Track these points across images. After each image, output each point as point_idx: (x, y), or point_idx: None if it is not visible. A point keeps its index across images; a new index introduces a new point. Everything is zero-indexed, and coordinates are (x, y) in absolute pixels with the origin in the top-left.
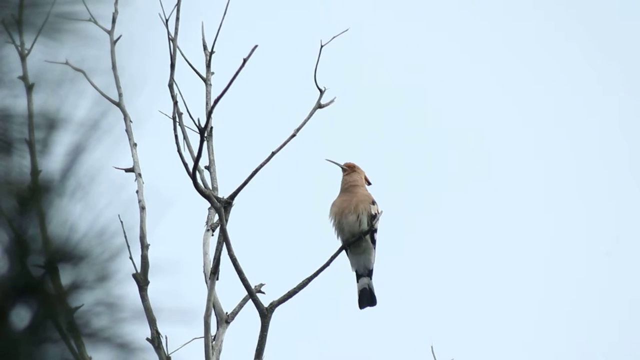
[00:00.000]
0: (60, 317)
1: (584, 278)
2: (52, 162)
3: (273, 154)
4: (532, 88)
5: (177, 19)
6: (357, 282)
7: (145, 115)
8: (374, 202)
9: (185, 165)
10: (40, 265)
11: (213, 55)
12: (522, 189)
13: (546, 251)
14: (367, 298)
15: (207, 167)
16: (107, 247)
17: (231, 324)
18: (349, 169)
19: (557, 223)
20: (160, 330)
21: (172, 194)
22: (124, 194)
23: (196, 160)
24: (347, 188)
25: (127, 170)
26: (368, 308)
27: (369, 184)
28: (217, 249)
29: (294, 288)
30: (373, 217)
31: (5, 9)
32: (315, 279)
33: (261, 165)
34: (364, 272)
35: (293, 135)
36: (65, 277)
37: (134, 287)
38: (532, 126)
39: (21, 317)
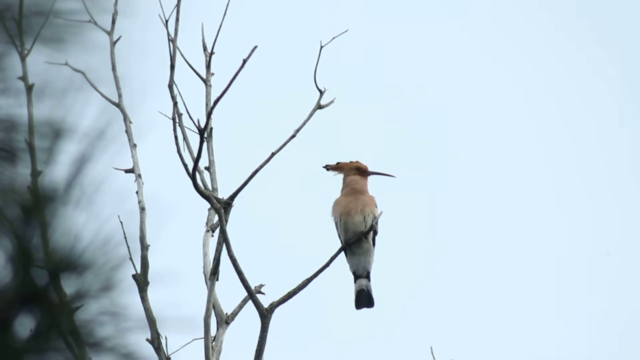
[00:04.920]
0: (63, 325)
1: (583, 278)
2: (57, 171)
3: (273, 154)
4: (535, 88)
5: (177, 19)
6: (355, 283)
7: (148, 124)
8: (376, 206)
9: (185, 166)
10: (41, 267)
11: (213, 56)
12: (522, 189)
13: (545, 251)
14: (364, 299)
15: (207, 168)
16: (111, 256)
17: (231, 324)
18: (362, 172)
19: (556, 223)
20: (160, 331)
21: (172, 195)
22: (128, 202)
23: (196, 161)
24: (357, 189)
25: (127, 171)
26: (365, 309)
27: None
28: (217, 250)
29: (294, 289)
30: (374, 219)
31: (6, 13)
32: (315, 279)
33: (261, 166)
34: (362, 274)
35: (293, 136)
36: (70, 286)
37: (138, 297)
38: (534, 125)
39: (25, 325)
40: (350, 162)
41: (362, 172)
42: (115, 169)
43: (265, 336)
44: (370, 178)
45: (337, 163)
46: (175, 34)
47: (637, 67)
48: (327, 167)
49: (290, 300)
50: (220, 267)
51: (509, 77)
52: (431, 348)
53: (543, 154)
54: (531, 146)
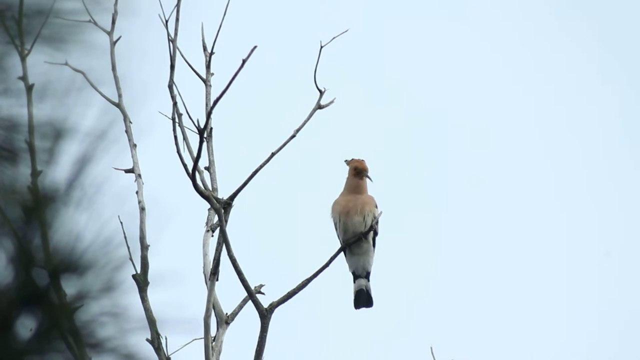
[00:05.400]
0: (64, 326)
1: (584, 278)
2: (58, 172)
3: (273, 154)
4: (537, 87)
5: (177, 19)
6: (354, 282)
7: (148, 124)
8: (375, 206)
9: (185, 166)
10: (42, 267)
11: (213, 56)
12: (523, 189)
13: (546, 251)
14: (363, 299)
15: (207, 168)
16: (112, 257)
17: (231, 324)
18: (363, 173)
19: (556, 223)
20: (160, 331)
21: (172, 195)
22: (128, 203)
23: (196, 161)
24: (357, 190)
25: (127, 171)
26: (364, 309)
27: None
28: (216, 250)
29: (294, 289)
30: (374, 219)
31: (7, 13)
32: (315, 279)
33: (261, 166)
34: (361, 274)
35: (293, 136)
36: (71, 287)
37: (138, 297)
38: (535, 125)
39: (26, 326)
40: (357, 160)
41: (357, 172)
42: (115, 169)
43: (265, 336)
44: (374, 174)
45: (352, 159)
46: (175, 34)
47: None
48: (347, 162)
49: (290, 300)
50: (220, 267)
51: (509, 77)
52: (431, 348)
53: (545, 154)
54: (533, 146)
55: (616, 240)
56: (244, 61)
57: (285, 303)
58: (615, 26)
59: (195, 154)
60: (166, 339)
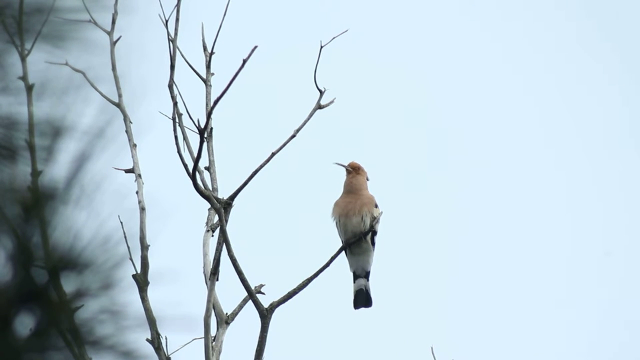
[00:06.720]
0: (63, 324)
1: (584, 277)
2: (57, 170)
3: (273, 154)
4: (539, 85)
5: (177, 19)
6: (354, 282)
7: (148, 122)
8: (376, 205)
9: (185, 166)
10: (41, 267)
11: (213, 56)
12: (524, 188)
13: (546, 250)
14: (362, 299)
15: (207, 168)
16: (111, 254)
17: (231, 324)
18: (354, 171)
19: (556, 223)
20: (160, 331)
21: (172, 195)
22: (128, 201)
23: (196, 161)
24: (351, 190)
25: (127, 171)
26: (363, 309)
27: (367, 179)
28: (217, 250)
29: (294, 289)
30: (374, 219)
31: (7, 11)
32: (315, 279)
33: (261, 166)
34: (361, 274)
35: (293, 136)
36: (70, 284)
37: (138, 295)
38: (537, 123)
39: (25, 324)
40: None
41: (348, 172)
42: (116, 169)
43: (265, 336)
44: (370, 176)
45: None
46: (175, 34)
47: None
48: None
49: (290, 300)
50: (220, 267)
51: (511, 75)
52: (431, 348)
53: (544, 153)
54: (534, 146)
55: (616, 240)
56: (244, 61)
57: (285, 303)
58: (623, 26)
59: (195, 154)
60: (166, 338)
